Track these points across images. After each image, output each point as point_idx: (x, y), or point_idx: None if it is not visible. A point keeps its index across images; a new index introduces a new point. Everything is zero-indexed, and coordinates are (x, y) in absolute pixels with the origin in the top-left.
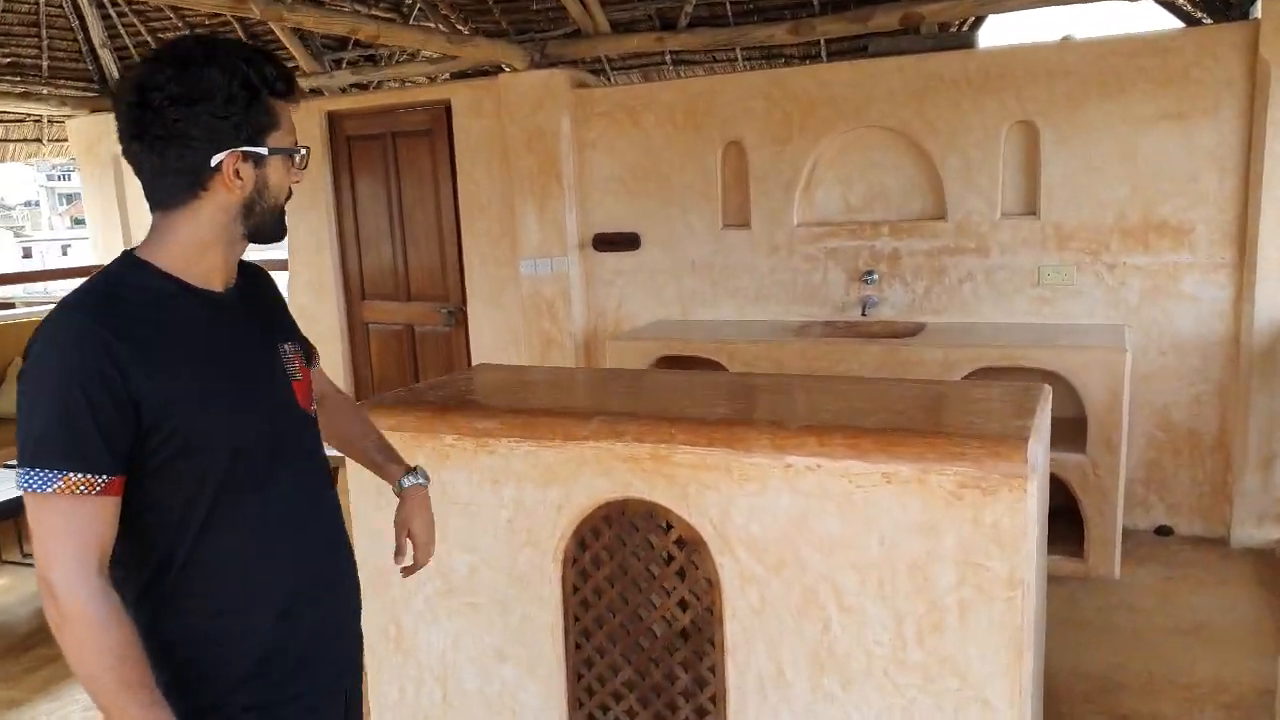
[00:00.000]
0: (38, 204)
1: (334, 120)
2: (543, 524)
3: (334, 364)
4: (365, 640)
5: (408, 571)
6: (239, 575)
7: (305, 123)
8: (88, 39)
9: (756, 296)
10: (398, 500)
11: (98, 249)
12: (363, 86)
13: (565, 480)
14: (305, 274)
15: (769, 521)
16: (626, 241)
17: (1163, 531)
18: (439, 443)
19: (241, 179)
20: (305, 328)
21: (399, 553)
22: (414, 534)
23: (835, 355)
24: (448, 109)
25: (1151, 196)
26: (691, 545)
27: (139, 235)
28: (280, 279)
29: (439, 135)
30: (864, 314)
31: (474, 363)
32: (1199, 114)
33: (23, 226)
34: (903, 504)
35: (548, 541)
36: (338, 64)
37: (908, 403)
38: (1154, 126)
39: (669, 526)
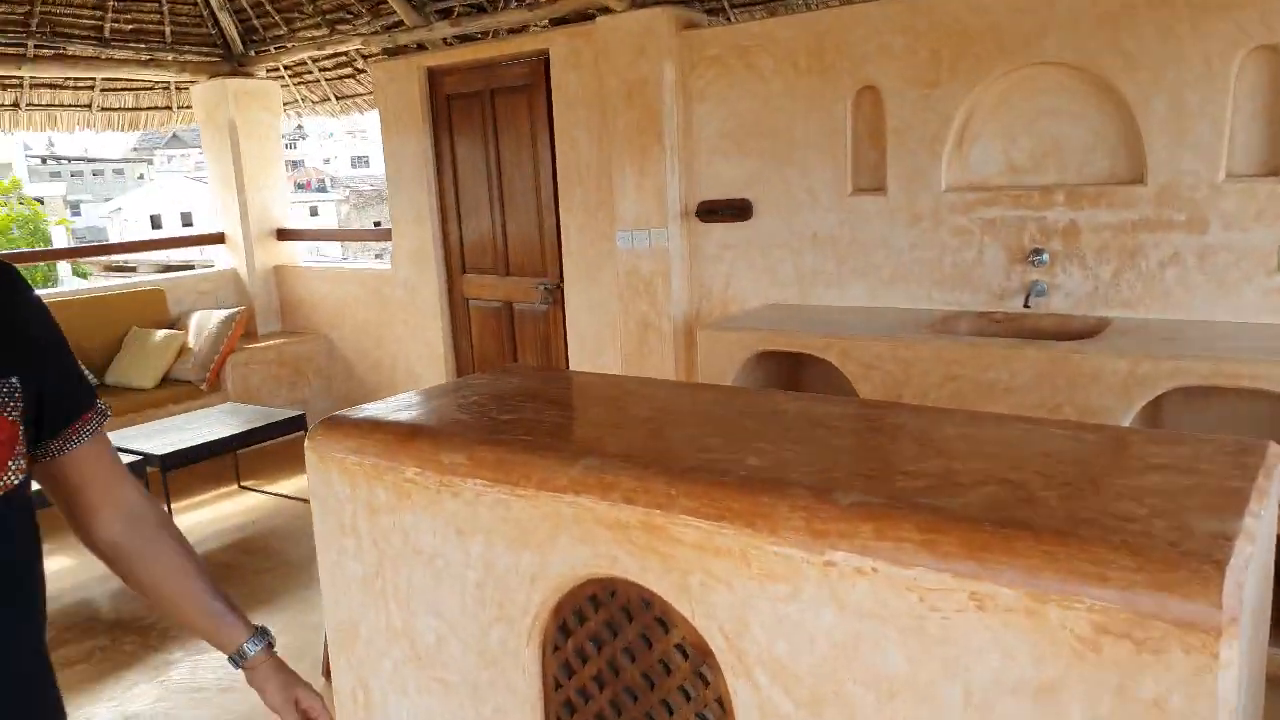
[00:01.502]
0: None
1: (433, 77)
2: (515, 595)
3: (434, 342)
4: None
5: None
6: None
7: (405, 81)
8: (207, 2)
9: (892, 278)
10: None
11: (218, 214)
12: (468, 40)
13: (539, 543)
14: (406, 244)
15: (802, 642)
16: (736, 210)
17: None
18: (399, 476)
19: None
20: (406, 302)
21: None
22: (308, 707)
23: (982, 360)
24: (546, 61)
25: None
26: (697, 654)
27: (254, 198)
28: (381, 250)
29: (537, 91)
30: (1028, 304)
31: (570, 348)
32: None
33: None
34: (1002, 645)
35: (521, 619)
36: (446, 13)
37: (1040, 463)
38: None
39: (668, 624)
